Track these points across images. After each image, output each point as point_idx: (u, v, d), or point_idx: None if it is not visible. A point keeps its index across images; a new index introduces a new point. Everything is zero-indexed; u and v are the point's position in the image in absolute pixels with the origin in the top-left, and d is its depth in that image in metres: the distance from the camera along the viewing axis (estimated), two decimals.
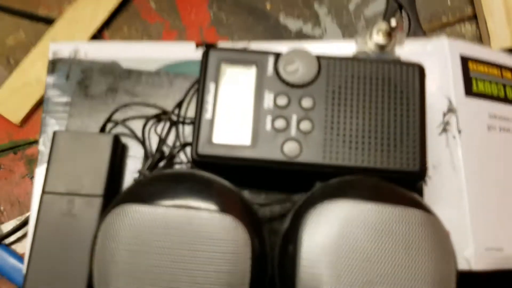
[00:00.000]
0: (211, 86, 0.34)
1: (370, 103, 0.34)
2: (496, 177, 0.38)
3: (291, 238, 0.30)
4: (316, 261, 0.29)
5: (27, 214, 0.49)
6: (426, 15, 0.54)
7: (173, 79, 0.38)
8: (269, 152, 0.33)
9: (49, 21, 0.55)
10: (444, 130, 0.38)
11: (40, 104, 0.53)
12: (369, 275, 0.28)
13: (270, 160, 0.33)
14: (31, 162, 0.52)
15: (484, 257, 0.36)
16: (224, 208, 0.30)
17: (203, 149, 0.33)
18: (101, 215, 0.33)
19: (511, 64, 0.42)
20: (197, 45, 0.39)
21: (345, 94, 0.34)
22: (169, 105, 0.38)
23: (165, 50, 0.39)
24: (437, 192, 0.38)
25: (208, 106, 0.34)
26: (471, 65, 0.39)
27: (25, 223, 0.46)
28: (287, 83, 0.34)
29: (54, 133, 0.35)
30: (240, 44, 0.39)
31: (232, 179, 0.33)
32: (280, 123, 0.34)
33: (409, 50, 0.40)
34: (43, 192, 0.34)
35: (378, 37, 0.34)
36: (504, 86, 0.40)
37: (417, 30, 0.53)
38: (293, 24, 0.54)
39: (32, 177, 0.51)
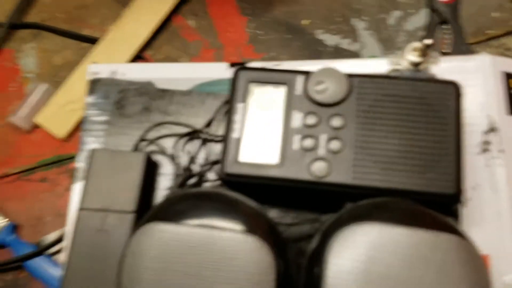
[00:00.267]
0: (239, 106, 0.34)
1: (403, 123, 0.33)
2: None
3: (318, 260, 0.30)
4: (342, 285, 0.28)
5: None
6: (470, 28, 0.52)
7: (204, 98, 0.39)
8: (296, 171, 0.33)
9: (93, 41, 0.57)
10: (484, 150, 0.36)
11: None
12: None
13: (297, 179, 0.33)
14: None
15: None
16: (248, 228, 0.29)
17: (230, 168, 0.33)
18: (131, 232, 0.33)
19: None
20: (230, 65, 0.39)
21: (376, 113, 0.33)
22: (200, 123, 0.38)
23: (197, 70, 0.40)
24: (477, 214, 0.36)
25: (236, 126, 0.34)
26: None
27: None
28: (317, 102, 0.34)
29: (93, 151, 0.36)
30: (271, 63, 0.39)
31: (260, 198, 0.33)
32: (308, 143, 0.33)
33: (450, 67, 0.38)
34: (80, 208, 0.35)
35: (412, 55, 0.33)
36: None
37: (461, 43, 0.52)
38: (330, 39, 0.54)
39: None
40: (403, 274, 0.27)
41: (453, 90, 0.33)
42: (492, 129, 0.36)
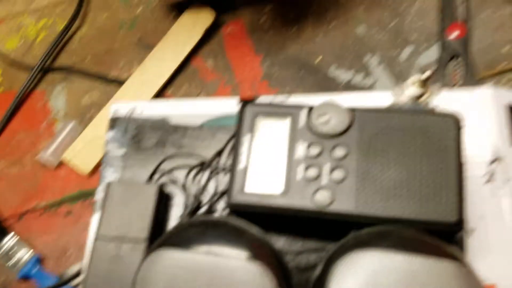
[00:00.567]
0: (245, 138, 0.35)
1: (404, 153, 0.33)
2: None
3: (322, 285, 0.30)
4: None
5: None
6: (481, 62, 0.53)
7: (215, 132, 0.40)
8: (300, 200, 0.34)
9: (119, 82, 0.60)
10: (490, 179, 0.36)
11: None
12: None
13: (301, 209, 0.33)
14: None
15: None
16: (253, 256, 0.30)
17: (236, 198, 0.34)
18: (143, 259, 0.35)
19: None
20: (240, 101, 0.41)
21: (378, 144, 0.34)
22: (211, 155, 0.40)
23: (209, 106, 0.42)
24: (483, 244, 0.36)
25: (242, 157, 0.35)
26: None
27: None
28: (319, 134, 0.35)
29: (108, 184, 0.38)
30: (279, 98, 0.41)
31: (267, 226, 0.33)
32: (312, 172, 0.34)
33: (453, 99, 0.39)
34: (96, 237, 0.36)
35: (412, 88, 0.34)
36: None
37: (471, 77, 0.52)
38: (343, 75, 0.55)
39: None
40: None
41: (453, 122, 0.33)
42: (496, 160, 0.36)
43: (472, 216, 0.35)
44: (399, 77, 0.54)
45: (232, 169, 0.35)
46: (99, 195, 0.40)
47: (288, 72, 0.56)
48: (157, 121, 0.41)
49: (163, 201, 0.37)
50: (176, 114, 0.42)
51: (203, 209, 0.38)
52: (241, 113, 0.36)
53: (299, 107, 0.35)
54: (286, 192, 0.34)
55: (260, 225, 0.35)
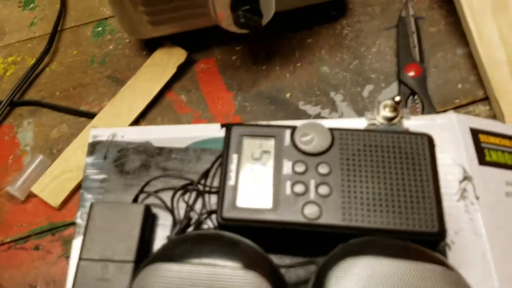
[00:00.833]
0: (234, 157, 0.36)
1: (384, 169, 0.35)
2: None
3: None
4: None
5: None
6: (438, 98, 0.57)
7: (200, 154, 0.41)
8: (290, 215, 0.34)
9: (90, 116, 0.59)
10: (462, 196, 0.39)
11: (78, 188, 0.56)
12: None
13: (292, 222, 0.34)
14: (68, 243, 0.54)
15: None
16: (248, 265, 0.30)
17: (228, 213, 0.35)
18: (132, 276, 0.34)
19: None
20: (222, 126, 0.42)
21: (359, 161, 0.35)
22: (197, 177, 0.40)
23: (193, 131, 0.42)
24: (461, 257, 0.37)
25: (232, 174, 0.36)
26: (481, 137, 0.41)
27: None
28: (303, 152, 0.36)
29: (91, 204, 0.37)
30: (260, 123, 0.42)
31: (257, 242, 0.34)
32: (299, 188, 0.35)
33: (419, 124, 0.42)
34: (80, 258, 0.35)
35: (385, 111, 0.37)
36: None
37: (429, 112, 0.56)
38: (311, 110, 0.57)
39: (67, 257, 0.53)
40: None
41: (427, 139, 0.36)
42: (466, 178, 0.39)
43: (449, 231, 0.37)
44: (362, 113, 0.57)
45: (221, 186, 0.35)
46: (79, 219, 0.39)
47: (260, 107, 0.58)
48: (140, 144, 0.41)
49: (149, 222, 0.37)
50: (159, 138, 0.42)
51: (191, 228, 0.38)
52: (228, 133, 0.37)
53: (282, 127, 0.37)
54: (275, 207, 0.34)
55: None
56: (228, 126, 0.37)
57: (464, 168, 0.39)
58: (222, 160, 0.37)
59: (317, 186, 0.35)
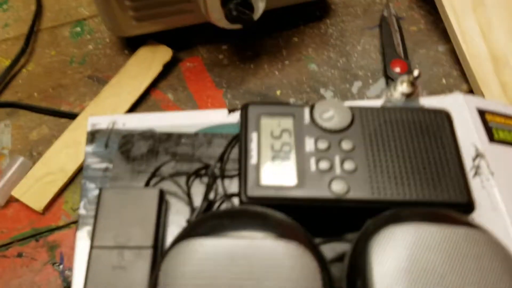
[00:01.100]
0: (253, 135, 0.35)
1: (407, 143, 0.35)
2: None
3: (358, 266, 0.29)
4: (391, 285, 0.27)
5: None
6: (424, 93, 0.57)
7: (211, 138, 0.39)
8: (317, 191, 0.33)
9: (72, 116, 0.56)
10: (477, 173, 0.39)
11: (62, 191, 0.52)
12: None
13: (320, 198, 0.33)
14: (53, 249, 0.50)
15: None
16: (288, 236, 0.29)
17: (252, 192, 0.33)
18: (152, 266, 0.31)
19: None
20: (229, 111, 0.41)
21: (381, 136, 0.35)
22: (209, 162, 0.38)
23: (199, 117, 0.40)
24: None
25: (253, 153, 0.34)
26: (488, 117, 0.41)
27: None
28: (325, 129, 0.35)
29: (100, 191, 0.34)
30: None
31: None
32: (324, 164, 0.34)
33: (428, 105, 0.42)
34: (92, 247, 0.32)
35: (402, 87, 0.36)
36: None
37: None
38: None
39: (54, 263, 0.49)
40: (444, 268, 0.27)
41: (446, 115, 0.36)
42: (479, 155, 0.39)
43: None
44: None
45: (242, 166, 0.33)
46: (82, 210, 0.36)
47: None
48: (145, 131, 0.39)
49: (163, 207, 0.35)
50: (163, 125, 0.40)
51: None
52: (245, 113, 0.35)
53: (300, 106, 0.36)
54: (301, 184, 0.33)
55: None
56: (244, 106, 0.36)
57: (476, 146, 0.39)
58: (240, 140, 0.35)
59: (342, 162, 0.34)
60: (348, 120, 0.35)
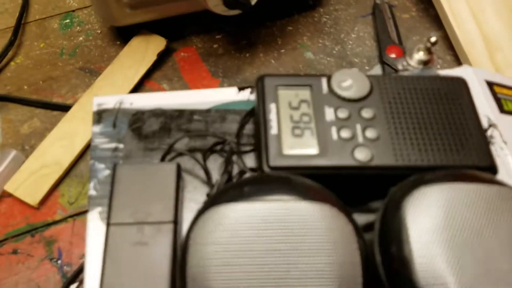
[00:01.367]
0: (272, 106, 0.34)
1: (427, 110, 0.34)
2: None
3: (391, 228, 0.28)
4: (428, 244, 0.26)
5: None
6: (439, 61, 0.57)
7: (224, 114, 0.38)
8: (340, 159, 0.32)
9: (65, 108, 0.54)
10: (491, 142, 0.38)
11: (58, 185, 0.50)
12: (485, 250, 0.26)
13: (344, 166, 0.32)
14: (50, 244, 0.47)
15: None
16: (320, 198, 0.28)
17: (275, 162, 0.32)
18: (174, 241, 0.30)
19: None
20: (240, 89, 0.39)
21: (401, 104, 0.34)
22: (223, 138, 0.37)
23: (208, 95, 0.39)
24: None
25: (273, 123, 0.33)
26: (496, 88, 0.41)
27: None
28: (344, 99, 0.34)
29: (115, 167, 0.33)
30: None
31: None
32: (346, 133, 0.33)
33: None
34: (109, 224, 0.31)
35: (419, 55, 0.36)
36: None
37: None
38: None
39: (51, 259, 0.47)
40: (480, 224, 0.27)
41: (463, 82, 0.35)
42: (491, 125, 0.39)
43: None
44: None
45: (262, 137, 0.32)
46: (92, 191, 0.35)
47: None
48: (155, 109, 0.38)
49: (180, 182, 0.33)
50: (172, 104, 0.38)
51: None
52: (261, 84, 0.34)
53: (317, 76, 0.35)
54: (324, 152, 0.32)
55: None
56: (260, 78, 0.35)
57: (488, 116, 0.39)
58: (258, 111, 0.34)
59: (363, 130, 0.33)
60: (367, 89, 0.34)
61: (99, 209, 0.33)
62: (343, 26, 0.62)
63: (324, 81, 0.35)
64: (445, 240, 0.26)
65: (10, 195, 0.48)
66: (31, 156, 0.50)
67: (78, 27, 0.60)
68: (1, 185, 0.49)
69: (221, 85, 0.56)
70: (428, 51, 0.37)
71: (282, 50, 0.59)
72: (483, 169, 0.32)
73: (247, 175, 0.34)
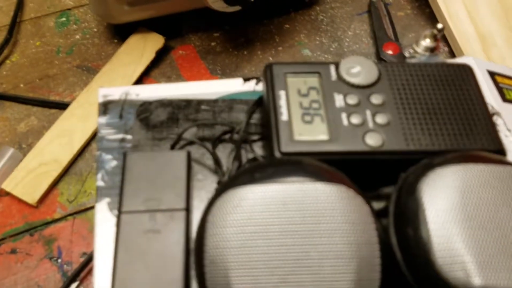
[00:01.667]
0: (281, 93, 0.34)
1: (436, 96, 0.34)
2: None
3: (407, 210, 0.28)
4: (446, 222, 0.26)
5: None
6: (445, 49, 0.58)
7: (231, 104, 0.37)
8: (352, 144, 0.32)
9: (62, 106, 0.53)
10: None
11: (56, 183, 0.49)
12: (501, 229, 0.26)
13: (355, 151, 0.32)
14: (50, 243, 0.46)
15: None
16: (336, 180, 0.27)
17: (286, 147, 0.31)
18: (186, 229, 0.29)
19: None
20: (245, 80, 0.39)
21: (409, 90, 0.34)
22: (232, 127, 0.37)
23: (214, 86, 0.39)
24: None
25: (283, 110, 0.33)
26: (497, 78, 0.42)
27: None
28: (353, 85, 0.34)
29: (125, 155, 0.32)
30: None
31: None
32: (356, 119, 0.33)
33: None
34: (120, 212, 0.30)
35: (426, 42, 0.36)
36: None
37: None
38: None
39: (51, 258, 0.46)
40: (496, 203, 0.27)
41: (469, 69, 0.36)
42: (495, 114, 0.39)
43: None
44: None
45: (273, 123, 0.32)
46: (100, 182, 0.34)
47: None
48: (162, 99, 0.37)
49: (191, 170, 0.33)
50: (179, 95, 0.38)
51: None
52: (270, 72, 0.34)
53: (325, 64, 0.35)
54: (335, 138, 0.32)
55: None
56: (268, 66, 0.35)
57: (491, 105, 0.40)
58: (267, 99, 0.34)
59: (373, 116, 0.33)
60: (375, 75, 0.34)
61: (107, 199, 0.32)
62: (340, 24, 0.62)
63: (332, 68, 0.35)
64: (462, 220, 0.26)
65: (8, 193, 0.47)
66: (29, 154, 0.49)
67: (74, 26, 0.59)
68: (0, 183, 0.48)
69: None
70: (435, 38, 0.37)
71: (280, 48, 0.59)
72: (492, 152, 0.32)
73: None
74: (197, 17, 0.59)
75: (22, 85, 0.54)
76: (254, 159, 0.33)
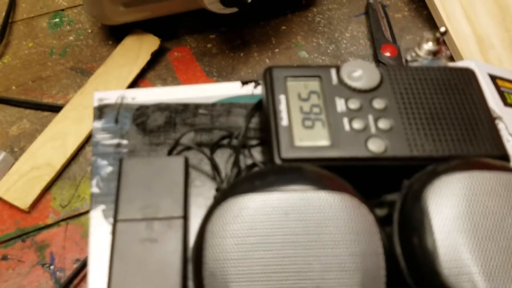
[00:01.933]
0: (281, 97, 0.33)
1: (438, 100, 0.33)
2: None
3: (412, 218, 0.27)
4: (453, 232, 0.25)
5: None
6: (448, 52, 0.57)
7: (229, 108, 0.36)
8: (354, 150, 0.31)
9: (56, 108, 0.52)
10: None
11: (49, 187, 0.48)
12: (508, 239, 0.26)
13: (357, 157, 0.31)
14: (42, 249, 0.45)
15: None
16: (339, 188, 0.26)
17: (287, 153, 0.30)
18: (184, 237, 0.28)
19: None
20: (243, 83, 0.38)
21: (412, 94, 0.33)
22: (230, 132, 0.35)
23: (212, 90, 0.38)
24: None
25: (283, 115, 0.32)
26: (499, 82, 0.41)
27: None
28: (354, 89, 0.34)
29: (121, 161, 0.31)
30: None
31: None
32: (358, 124, 0.32)
33: None
34: (116, 220, 0.29)
35: (428, 45, 0.35)
36: None
37: None
38: None
39: (43, 265, 0.44)
40: (503, 212, 0.26)
41: (472, 73, 0.35)
42: (497, 118, 0.38)
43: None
44: None
45: (273, 129, 0.31)
46: (95, 188, 0.33)
47: None
48: (159, 103, 0.36)
49: (188, 176, 0.32)
50: (176, 98, 0.37)
51: None
52: (269, 76, 0.33)
53: (326, 67, 0.34)
54: (336, 144, 0.31)
55: None
56: (267, 69, 0.34)
57: (493, 109, 0.39)
58: (267, 103, 0.33)
59: (376, 121, 0.32)
60: (377, 79, 0.33)
61: (102, 207, 0.31)
62: (337, 26, 0.61)
63: (333, 72, 0.34)
64: (468, 229, 0.25)
65: (1, 198, 0.46)
66: (21, 158, 0.48)
67: (68, 26, 0.58)
68: None
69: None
70: (437, 41, 0.36)
71: (277, 50, 0.58)
72: (496, 158, 0.31)
73: (257, 168, 0.32)
74: (193, 19, 0.58)
75: (14, 87, 0.53)
76: (253, 164, 0.32)
